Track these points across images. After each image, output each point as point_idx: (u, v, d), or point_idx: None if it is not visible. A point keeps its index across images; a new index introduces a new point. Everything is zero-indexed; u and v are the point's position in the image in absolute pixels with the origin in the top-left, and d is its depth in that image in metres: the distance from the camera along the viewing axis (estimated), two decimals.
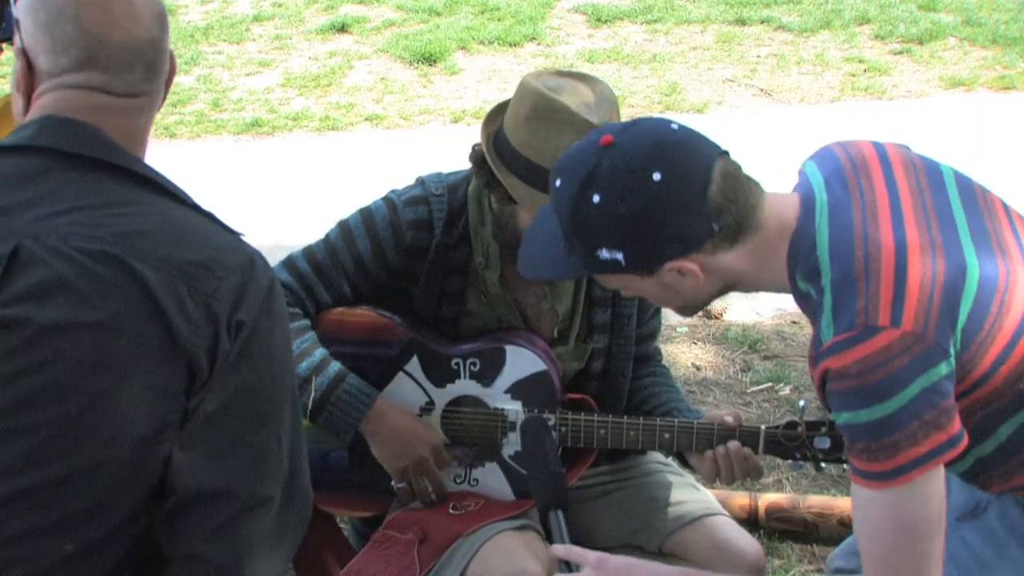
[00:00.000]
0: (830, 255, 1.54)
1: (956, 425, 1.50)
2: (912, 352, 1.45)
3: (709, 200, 1.53)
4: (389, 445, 2.14)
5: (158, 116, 6.39)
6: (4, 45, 3.14)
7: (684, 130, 1.58)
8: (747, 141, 5.68)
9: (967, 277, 1.50)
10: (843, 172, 1.63)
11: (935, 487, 1.50)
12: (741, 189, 1.56)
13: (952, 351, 1.48)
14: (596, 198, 1.53)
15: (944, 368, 1.47)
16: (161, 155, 5.44)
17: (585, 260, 1.59)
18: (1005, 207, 1.67)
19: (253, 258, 1.46)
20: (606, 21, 7.41)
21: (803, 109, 6.15)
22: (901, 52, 6.83)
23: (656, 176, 1.51)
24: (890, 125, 5.83)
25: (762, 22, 7.36)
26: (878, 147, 1.68)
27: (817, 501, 2.76)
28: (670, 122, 1.60)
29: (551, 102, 1.94)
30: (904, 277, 1.48)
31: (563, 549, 1.71)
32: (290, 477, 1.48)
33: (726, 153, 1.59)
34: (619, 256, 1.56)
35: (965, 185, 1.66)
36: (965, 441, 1.51)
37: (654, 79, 6.53)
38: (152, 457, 1.36)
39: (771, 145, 5.64)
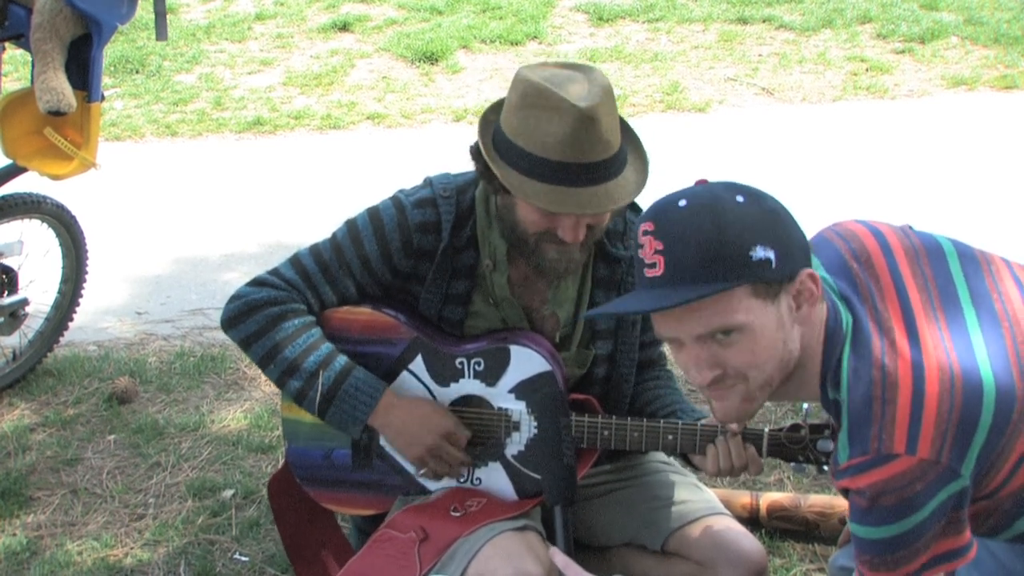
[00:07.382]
0: (850, 373, 1.55)
1: (966, 536, 1.53)
2: (927, 478, 1.47)
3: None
4: (401, 436, 2.15)
5: (159, 114, 6.37)
6: (6, 45, 3.14)
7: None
8: (749, 140, 5.69)
9: (983, 402, 1.49)
10: (851, 273, 1.63)
11: None
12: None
13: (967, 471, 1.49)
14: (740, 198, 1.53)
15: (958, 486, 1.49)
16: (163, 154, 5.46)
17: (735, 271, 1.51)
18: (1008, 265, 1.68)
19: None
20: (608, 20, 7.40)
21: (805, 108, 6.14)
22: (903, 51, 6.82)
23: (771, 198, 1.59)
24: (892, 124, 5.82)
25: (764, 21, 7.35)
26: (877, 236, 1.68)
27: (819, 500, 2.76)
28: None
29: (540, 88, 1.93)
30: (921, 405, 1.48)
31: (562, 560, 1.70)
32: None
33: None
34: (771, 255, 1.52)
35: (967, 257, 1.66)
36: (973, 552, 1.54)
37: (656, 78, 6.52)
38: None
39: (773, 144, 5.63)
